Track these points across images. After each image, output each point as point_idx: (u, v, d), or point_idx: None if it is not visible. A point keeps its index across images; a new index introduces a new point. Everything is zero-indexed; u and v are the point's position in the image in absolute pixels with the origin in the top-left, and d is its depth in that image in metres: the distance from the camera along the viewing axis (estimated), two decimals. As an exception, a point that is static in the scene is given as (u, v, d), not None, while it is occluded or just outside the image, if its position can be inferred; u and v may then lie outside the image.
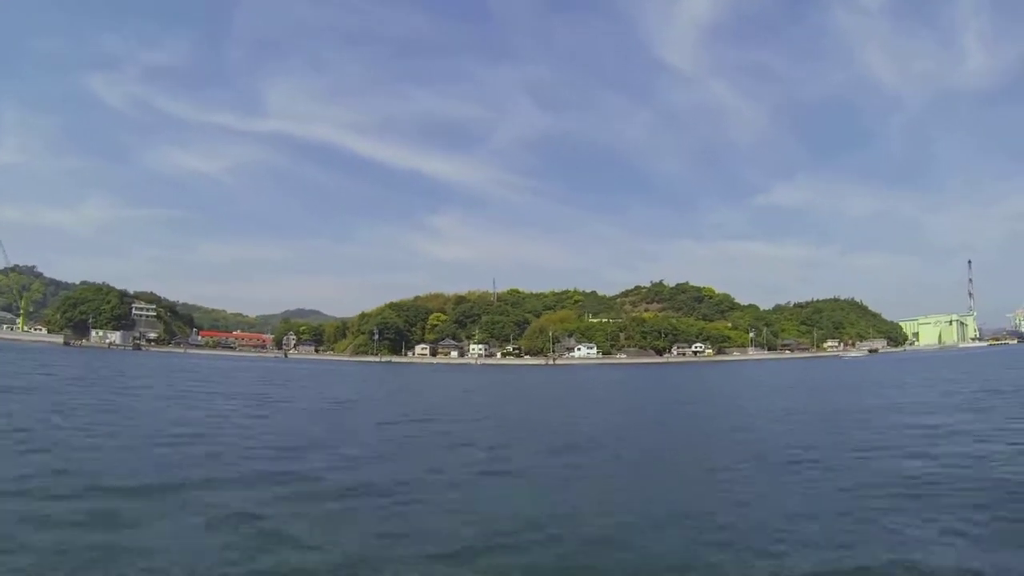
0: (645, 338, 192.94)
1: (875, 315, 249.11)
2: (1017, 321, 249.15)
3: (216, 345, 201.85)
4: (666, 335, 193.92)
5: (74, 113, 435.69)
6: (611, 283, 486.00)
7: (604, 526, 10.85)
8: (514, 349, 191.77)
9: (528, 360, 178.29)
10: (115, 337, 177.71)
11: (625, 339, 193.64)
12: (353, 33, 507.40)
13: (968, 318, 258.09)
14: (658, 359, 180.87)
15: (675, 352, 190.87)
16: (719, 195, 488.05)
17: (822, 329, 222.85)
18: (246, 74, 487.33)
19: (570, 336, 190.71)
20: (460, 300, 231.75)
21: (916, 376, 60.54)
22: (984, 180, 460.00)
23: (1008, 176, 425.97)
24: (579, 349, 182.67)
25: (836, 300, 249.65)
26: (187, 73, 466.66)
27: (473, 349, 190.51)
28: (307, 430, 23.62)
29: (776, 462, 16.95)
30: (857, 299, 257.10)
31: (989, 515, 11.10)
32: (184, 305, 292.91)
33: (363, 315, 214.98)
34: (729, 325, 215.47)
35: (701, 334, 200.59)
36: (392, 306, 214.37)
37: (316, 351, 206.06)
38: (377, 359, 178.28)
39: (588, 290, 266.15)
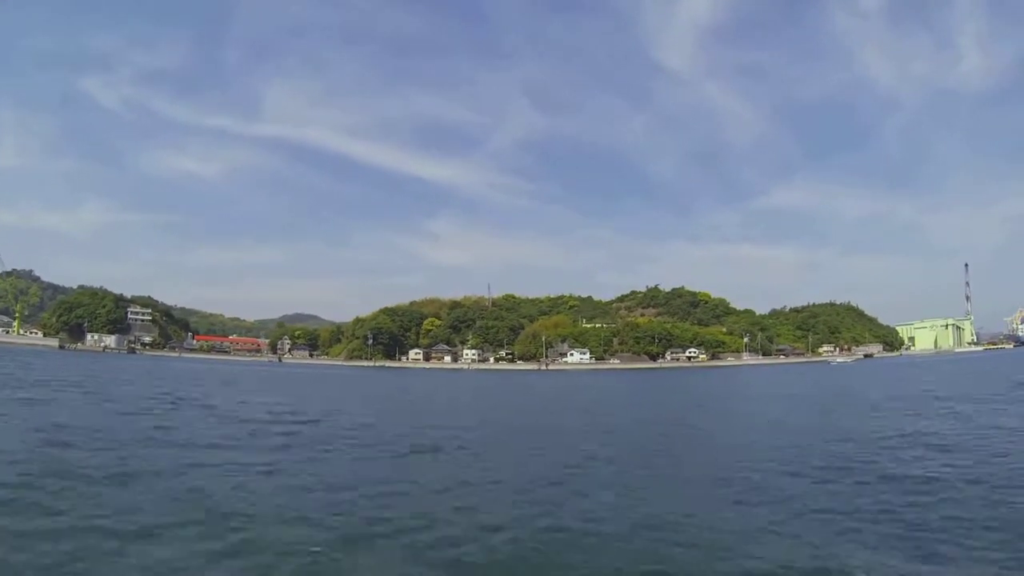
0: (639, 343, 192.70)
1: (871, 320, 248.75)
2: (1014, 325, 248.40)
3: (210, 349, 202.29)
4: (660, 340, 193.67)
5: (71, 116, 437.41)
6: (608, 286, 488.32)
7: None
8: (507, 354, 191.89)
9: (521, 365, 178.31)
10: (110, 341, 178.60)
11: (618, 344, 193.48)
12: (350, 35, 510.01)
13: (965, 322, 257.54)
14: (651, 364, 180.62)
15: (669, 357, 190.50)
16: (717, 197, 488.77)
17: (818, 334, 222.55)
18: (242, 77, 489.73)
19: (563, 341, 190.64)
20: (455, 305, 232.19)
21: (886, 384, 60.61)
22: (982, 182, 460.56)
23: (1006, 177, 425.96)
24: (572, 354, 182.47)
25: (832, 304, 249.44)
26: (183, 76, 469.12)
27: (466, 354, 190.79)
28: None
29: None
30: (855, 303, 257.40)
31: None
32: (181, 309, 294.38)
33: (358, 320, 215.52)
34: (724, 330, 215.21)
35: (695, 339, 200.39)
36: (387, 311, 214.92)
37: (310, 355, 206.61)
38: (371, 364, 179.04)
39: (584, 295, 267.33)
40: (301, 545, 10.42)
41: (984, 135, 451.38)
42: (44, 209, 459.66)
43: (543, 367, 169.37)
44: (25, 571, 8.90)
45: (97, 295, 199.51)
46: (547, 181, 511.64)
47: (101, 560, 9.52)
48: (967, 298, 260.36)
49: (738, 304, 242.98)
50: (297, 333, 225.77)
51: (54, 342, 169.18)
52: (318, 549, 10.32)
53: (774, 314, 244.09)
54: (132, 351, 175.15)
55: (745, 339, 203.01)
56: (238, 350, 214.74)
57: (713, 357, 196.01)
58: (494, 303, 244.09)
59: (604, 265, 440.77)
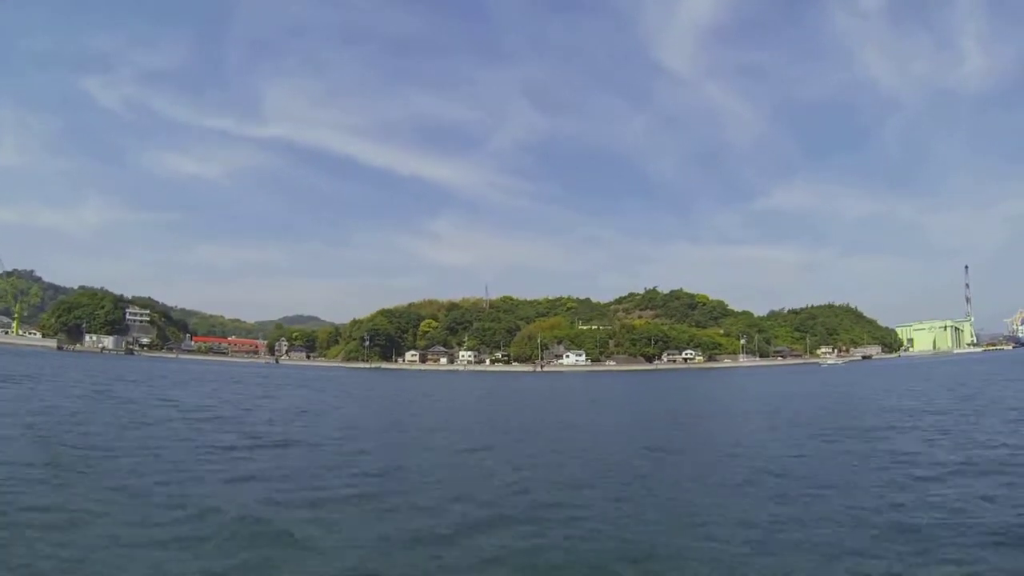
0: (635, 345, 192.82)
1: (870, 321, 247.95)
2: (1014, 326, 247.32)
3: (208, 351, 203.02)
4: (656, 342, 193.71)
5: (71, 116, 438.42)
6: (609, 288, 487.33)
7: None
8: (503, 356, 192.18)
9: (516, 367, 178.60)
10: (108, 342, 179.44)
11: (614, 346, 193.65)
12: (350, 35, 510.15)
13: (965, 323, 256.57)
14: (647, 366, 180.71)
15: (665, 359, 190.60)
16: (717, 198, 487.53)
17: (816, 336, 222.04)
18: (243, 77, 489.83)
19: (559, 343, 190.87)
20: (453, 307, 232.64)
21: (868, 385, 60.61)
22: (982, 182, 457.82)
23: (1006, 178, 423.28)
24: (567, 356, 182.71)
25: (831, 306, 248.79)
26: (184, 76, 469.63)
27: (462, 356, 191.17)
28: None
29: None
30: (855, 304, 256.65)
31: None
32: (182, 310, 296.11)
33: (355, 322, 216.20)
34: (721, 332, 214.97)
35: (692, 341, 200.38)
36: (384, 312, 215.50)
37: (307, 357, 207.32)
38: (367, 365, 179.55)
39: (582, 296, 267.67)
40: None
41: (984, 136, 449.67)
42: (45, 209, 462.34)
43: (538, 369, 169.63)
44: None
45: (96, 296, 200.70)
46: (548, 181, 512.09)
47: None
48: (967, 299, 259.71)
49: (739, 305, 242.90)
50: (295, 335, 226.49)
51: (52, 343, 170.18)
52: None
53: (772, 316, 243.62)
54: (130, 352, 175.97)
55: (742, 341, 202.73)
56: (236, 351, 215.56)
57: (710, 359, 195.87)
58: (492, 305, 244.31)
59: (605, 266, 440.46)
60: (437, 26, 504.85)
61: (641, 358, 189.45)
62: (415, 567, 9.71)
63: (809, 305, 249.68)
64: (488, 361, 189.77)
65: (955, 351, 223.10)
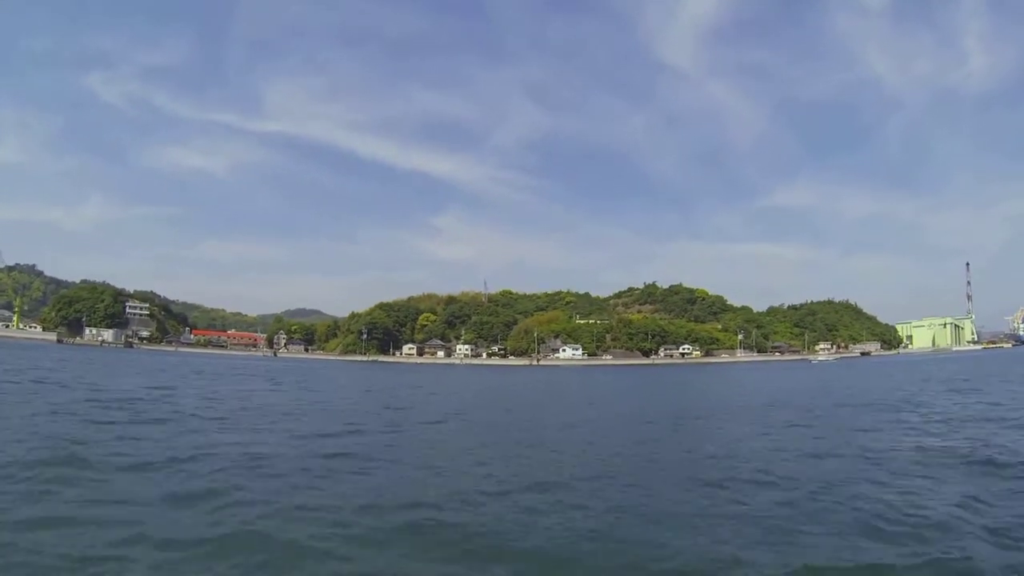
0: (632, 339, 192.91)
1: (870, 318, 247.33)
2: (1015, 324, 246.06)
3: (207, 344, 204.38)
4: (653, 337, 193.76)
5: (73, 112, 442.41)
6: (611, 285, 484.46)
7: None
8: (499, 350, 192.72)
9: (513, 361, 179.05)
10: (107, 335, 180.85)
11: (612, 340, 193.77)
12: (351, 32, 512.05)
13: (965, 321, 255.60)
14: (644, 361, 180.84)
15: (662, 354, 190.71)
16: (719, 196, 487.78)
17: (815, 332, 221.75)
18: (245, 74, 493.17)
19: (556, 337, 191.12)
20: (451, 301, 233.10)
21: (846, 383, 60.59)
22: (985, 181, 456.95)
23: (1009, 177, 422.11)
24: (564, 350, 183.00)
25: (830, 302, 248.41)
26: (186, 72, 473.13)
27: (459, 349, 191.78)
28: None
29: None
30: (857, 301, 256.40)
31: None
32: (184, 304, 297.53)
33: (353, 315, 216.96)
34: (719, 327, 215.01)
35: (689, 336, 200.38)
36: (382, 306, 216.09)
37: (306, 350, 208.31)
38: (364, 358, 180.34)
39: (582, 291, 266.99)
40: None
41: (986, 135, 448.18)
42: (48, 204, 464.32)
43: (534, 362, 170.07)
44: None
45: (96, 290, 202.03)
46: (550, 179, 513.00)
47: None
48: (968, 297, 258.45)
49: (739, 303, 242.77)
50: (294, 328, 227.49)
51: (52, 336, 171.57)
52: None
53: (771, 311, 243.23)
54: (129, 345, 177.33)
55: (740, 336, 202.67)
56: (235, 344, 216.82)
57: (707, 354, 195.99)
58: (491, 299, 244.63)
59: (607, 263, 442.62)
60: (438, 25, 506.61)
61: (638, 353, 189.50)
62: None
63: (809, 301, 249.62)
64: (485, 355, 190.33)
65: (954, 348, 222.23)
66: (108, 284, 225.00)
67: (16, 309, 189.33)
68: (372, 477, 14.17)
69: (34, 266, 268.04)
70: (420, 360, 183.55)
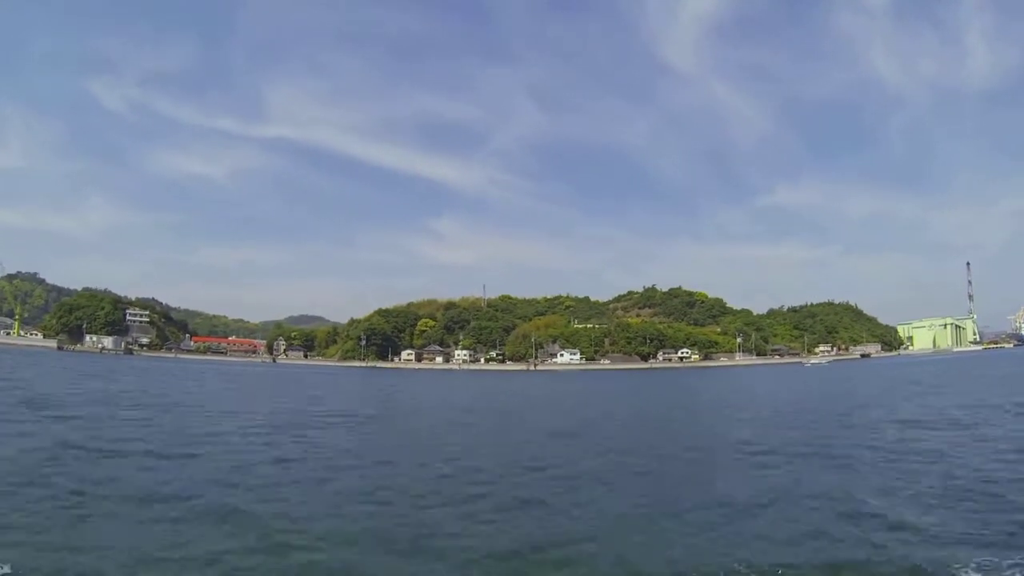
0: (630, 344, 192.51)
1: (870, 319, 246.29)
2: (1017, 324, 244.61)
3: (207, 350, 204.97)
4: (651, 341, 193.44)
5: (75, 117, 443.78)
6: (614, 286, 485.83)
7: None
8: (497, 355, 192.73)
9: (510, 366, 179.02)
10: (107, 342, 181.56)
11: (610, 345, 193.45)
12: (352, 36, 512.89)
13: (966, 321, 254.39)
14: (642, 365, 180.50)
15: (660, 358, 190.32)
16: (722, 196, 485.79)
17: (815, 334, 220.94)
18: (246, 78, 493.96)
19: (554, 342, 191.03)
20: (450, 306, 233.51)
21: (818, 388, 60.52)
22: (987, 179, 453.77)
23: (1012, 175, 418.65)
24: (562, 355, 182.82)
25: (830, 304, 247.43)
26: (188, 77, 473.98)
27: (458, 355, 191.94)
28: None
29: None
30: (860, 301, 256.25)
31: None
32: (185, 311, 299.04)
33: (352, 321, 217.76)
34: (718, 330, 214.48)
35: (688, 339, 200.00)
36: (381, 312, 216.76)
37: (305, 356, 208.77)
38: (363, 364, 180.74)
39: (582, 295, 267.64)
40: None
41: (990, 133, 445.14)
42: (50, 210, 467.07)
43: (531, 367, 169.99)
44: None
45: (96, 297, 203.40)
46: (552, 181, 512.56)
47: None
48: (970, 297, 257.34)
49: (744, 303, 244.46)
50: (293, 334, 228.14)
51: (53, 343, 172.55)
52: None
53: (771, 314, 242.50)
54: (129, 352, 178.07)
55: (738, 339, 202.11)
56: (235, 351, 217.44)
57: (706, 357, 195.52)
58: (490, 304, 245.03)
59: (609, 265, 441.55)
60: (440, 27, 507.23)
61: (636, 357, 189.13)
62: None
63: (809, 303, 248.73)
64: (483, 360, 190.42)
65: (955, 349, 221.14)
66: (110, 292, 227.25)
67: (17, 317, 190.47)
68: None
69: (36, 274, 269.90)
70: (419, 366, 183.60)
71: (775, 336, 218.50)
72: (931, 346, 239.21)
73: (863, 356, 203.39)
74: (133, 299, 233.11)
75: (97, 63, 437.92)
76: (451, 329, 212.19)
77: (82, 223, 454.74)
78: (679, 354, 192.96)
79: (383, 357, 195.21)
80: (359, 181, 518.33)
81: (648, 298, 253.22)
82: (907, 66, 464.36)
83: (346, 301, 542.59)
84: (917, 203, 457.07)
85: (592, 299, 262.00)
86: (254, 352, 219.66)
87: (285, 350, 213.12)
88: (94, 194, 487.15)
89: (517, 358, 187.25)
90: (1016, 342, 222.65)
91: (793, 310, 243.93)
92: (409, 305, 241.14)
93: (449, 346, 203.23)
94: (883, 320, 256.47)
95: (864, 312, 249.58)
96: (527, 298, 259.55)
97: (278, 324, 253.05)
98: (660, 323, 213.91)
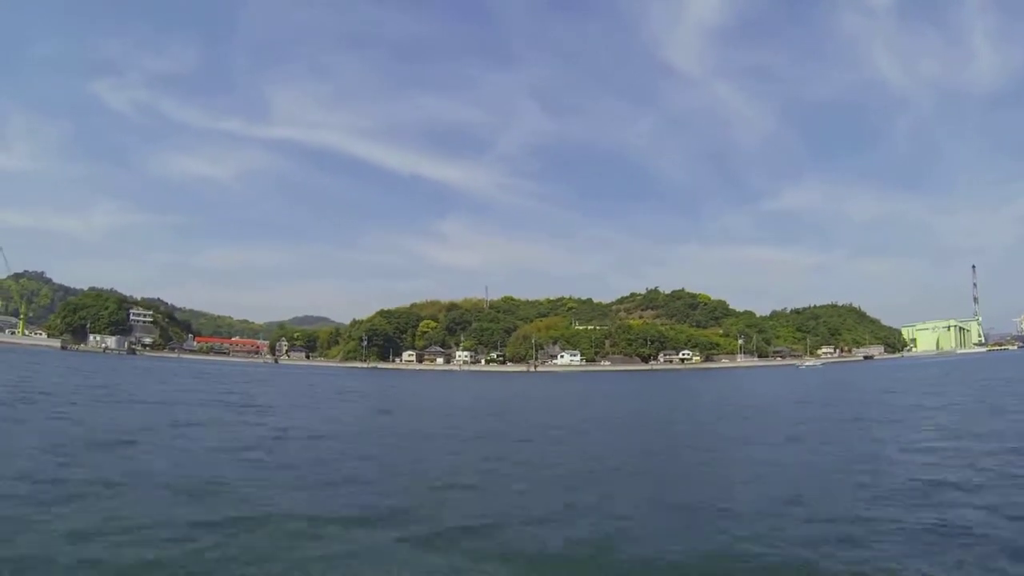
0: (631, 345, 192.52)
1: (873, 321, 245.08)
2: (1022, 326, 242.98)
3: (209, 351, 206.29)
4: (652, 342, 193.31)
5: (82, 119, 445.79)
6: (619, 289, 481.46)
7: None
8: (498, 356, 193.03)
9: (511, 367, 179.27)
10: (110, 342, 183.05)
11: (610, 346, 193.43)
12: (356, 38, 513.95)
13: (971, 323, 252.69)
14: (643, 366, 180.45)
15: (661, 359, 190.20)
16: (726, 199, 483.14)
17: (817, 336, 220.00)
18: (251, 80, 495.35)
19: (555, 343, 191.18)
20: (452, 307, 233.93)
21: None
22: (993, 182, 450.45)
23: (1017, 177, 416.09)
24: (562, 356, 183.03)
25: (834, 306, 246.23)
26: (192, 79, 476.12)
27: (458, 356, 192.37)
28: None
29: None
30: (865, 304, 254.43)
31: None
32: (190, 311, 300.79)
33: (354, 322, 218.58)
34: (720, 332, 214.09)
35: (689, 341, 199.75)
36: (383, 313, 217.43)
37: (307, 357, 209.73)
38: (364, 365, 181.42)
39: (585, 297, 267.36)
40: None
41: (995, 134, 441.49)
42: (57, 211, 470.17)
43: (531, 369, 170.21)
44: None
45: (100, 297, 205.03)
46: (556, 183, 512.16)
47: None
48: (975, 299, 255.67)
49: (748, 306, 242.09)
50: (296, 335, 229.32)
51: (56, 343, 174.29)
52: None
53: (774, 316, 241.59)
54: (132, 352, 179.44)
55: (740, 341, 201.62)
56: (237, 351, 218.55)
57: (707, 359, 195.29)
58: (492, 305, 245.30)
59: (613, 268, 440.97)
60: (443, 30, 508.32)
61: (637, 358, 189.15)
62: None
63: (812, 305, 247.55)
64: (483, 361, 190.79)
65: (959, 351, 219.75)
66: (115, 291, 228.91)
67: (21, 316, 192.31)
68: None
69: (43, 273, 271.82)
70: (419, 367, 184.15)
71: (778, 338, 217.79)
72: (935, 348, 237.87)
73: (866, 358, 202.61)
74: (139, 299, 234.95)
75: (102, 65, 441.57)
76: (453, 330, 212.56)
77: (88, 224, 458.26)
78: (680, 356, 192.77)
79: (384, 358, 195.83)
80: (363, 183, 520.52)
81: (651, 300, 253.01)
82: (911, 67, 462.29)
83: (351, 302, 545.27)
84: (922, 206, 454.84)
85: (595, 301, 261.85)
86: (257, 353, 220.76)
87: (287, 351, 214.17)
88: (100, 195, 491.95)
89: (517, 359, 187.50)
90: (1020, 344, 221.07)
91: (796, 312, 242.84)
92: (412, 306, 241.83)
93: (450, 347, 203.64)
94: (890, 323, 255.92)
95: (867, 314, 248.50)
96: (530, 300, 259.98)
97: (281, 325, 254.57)
98: (662, 325, 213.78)
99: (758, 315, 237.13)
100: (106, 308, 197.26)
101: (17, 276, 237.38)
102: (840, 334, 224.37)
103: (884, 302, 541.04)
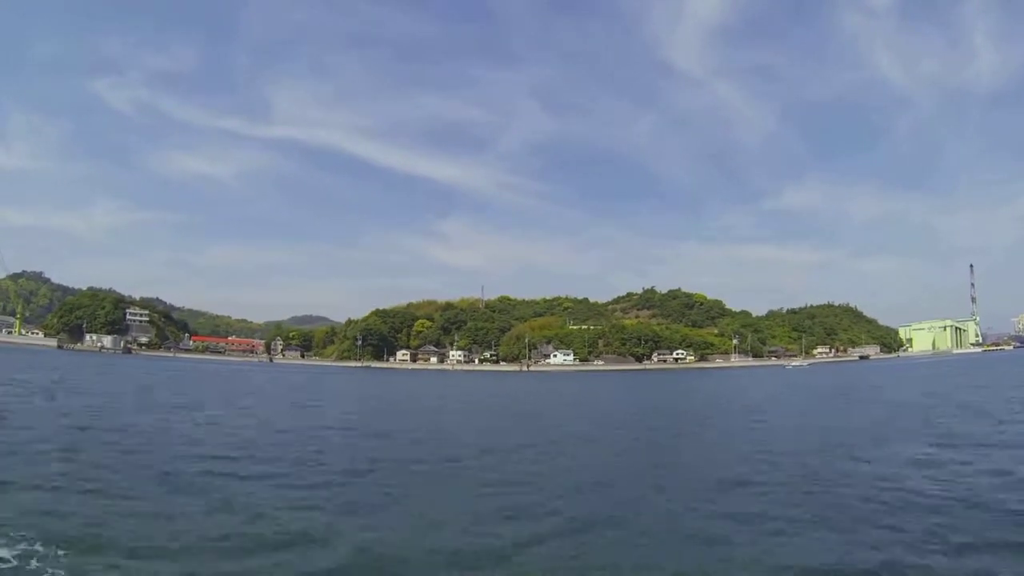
0: (624, 345, 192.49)
1: (870, 321, 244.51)
2: (1020, 325, 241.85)
3: (205, 350, 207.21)
4: (646, 342, 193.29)
5: (82, 118, 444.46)
6: (620, 287, 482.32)
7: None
8: (491, 356, 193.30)
9: (504, 367, 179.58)
10: (106, 341, 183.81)
11: (604, 346, 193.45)
12: (357, 37, 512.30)
13: (969, 323, 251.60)
14: (636, 366, 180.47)
15: (655, 359, 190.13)
16: (728, 198, 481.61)
17: (813, 335, 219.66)
18: (252, 79, 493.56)
19: (549, 343, 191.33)
20: (448, 307, 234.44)
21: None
22: (994, 181, 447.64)
23: (1018, 177, 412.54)
24: (555, 356, 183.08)
25: (830, 305, 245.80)
26: (193, 78, 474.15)
27: (452, 356, 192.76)
28: None
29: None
30: (867, 304, 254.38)
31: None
32: (189, 311, 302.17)
33: (350, 321, 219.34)
34: (715, 332, 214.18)
35: (684, 341, 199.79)
36: (378, 312, 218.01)
37: (302, 356, 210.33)
38: (359, 364, 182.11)
39: (581, 297, 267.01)
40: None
41: (997, 133, 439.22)
42: (57, 210, 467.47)
43: (523, 369, 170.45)
44: None
45: (97, 297, 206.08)
46: (557, 182, 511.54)
47: None
48: (973, 299, 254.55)
49: (750, 306, 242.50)
50: (291, 334, 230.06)
51: (53, 342, 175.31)
52: None
53: (770, 315, 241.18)
54: (128, 351, 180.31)
55: (734, 341, 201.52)
56: (233, 351, 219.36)
57: (701, 359, 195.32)
58: (488, 305, 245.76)
59: (615, 267, 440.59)
60: (444, 29, 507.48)
61: (631, 358, 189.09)
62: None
63: (808, 305, 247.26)
64: (477, 361, 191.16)
65: (955, 351, 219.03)
66: (113, 291, 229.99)
67: (18, 315, 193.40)
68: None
69: (41, 273, 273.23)
70: (413, 366, 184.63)
71: (773, 338, 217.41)
72: (931, 348, 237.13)
73: (861, 358, 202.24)
74: (137, 299, 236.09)
75: (102, 64, 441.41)
76: (448, 330, 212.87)
77: (89, 223, 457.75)
78: (674, 356, 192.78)
79: (379, 357, 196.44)
80: (364, 182, 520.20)
81: (647, 300, 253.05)
82: (911, 67, 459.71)
83: (351, 302, 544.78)
84: (923, 205, 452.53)
85: (591, 300, 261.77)
86: (252, 352, 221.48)
87: (282, 350, 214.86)
88: (101, 194, 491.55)
89: (511, 359, 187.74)
90: (1017, 344, 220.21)
91: (792, 312, 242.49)
92: (408, 306, 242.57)
93: (445, 347, 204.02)
94: (890, 323, 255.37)
95: (864, 314, 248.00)
96: (526, 299, 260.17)
97: (278, 324, 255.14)
98: (656, 324, 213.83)
99: (754, 315, 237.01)
100: (102, 308, 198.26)
101: (16, 276, 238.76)
102: (836, 334, 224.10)
103: (885, 302, 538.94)
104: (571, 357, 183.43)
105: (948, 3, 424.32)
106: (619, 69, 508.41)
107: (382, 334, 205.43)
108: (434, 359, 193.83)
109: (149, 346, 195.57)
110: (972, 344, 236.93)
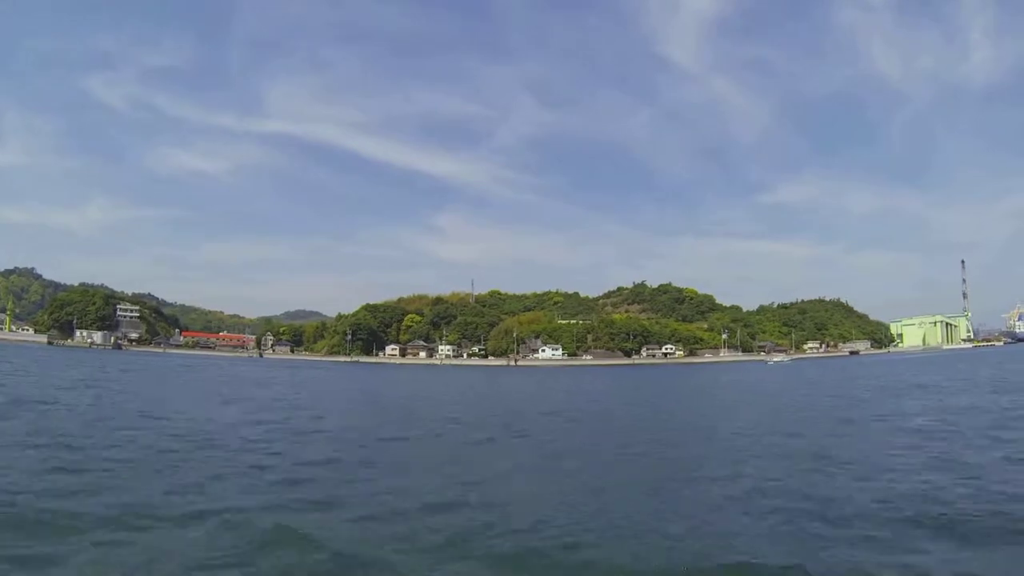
0: (613, 339, 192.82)
1: (861, 316, 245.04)
2: (1011, 322, 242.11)
3: (195, 345, 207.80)
4: (635, 336, 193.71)
5: (76, 114, 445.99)
6: (612, 281, 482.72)
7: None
8: (480, 350, 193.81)
9: (492, 361, 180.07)
10: (96, 337, 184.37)
11: (593, 340, 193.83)
12: (352, 31, 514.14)
13: (960, 319, 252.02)
14: (625, 361, 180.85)
15: (644, 354, 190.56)
16: (723, 192, 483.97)
17: (803, 331, 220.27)
18: (246, 74, 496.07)
19: (537, 337, 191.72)
20: (438, 301, 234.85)
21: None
22: (990, 176, 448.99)
23: (1013, 172, 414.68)
24: (543, 350, 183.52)
25: (821, 300, 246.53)
26: (187, 74, 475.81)
27: (441, 350, 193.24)
28: None
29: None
30: (862, 299, 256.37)
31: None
32: (182, 307, 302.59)
33: (340, 316, 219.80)
34: (705, 326, 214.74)
35: (673, 336, 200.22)
36: (368, 307, 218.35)
37: (292, 351, 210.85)
38: (348, 359, 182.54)
39: (571, 291, 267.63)
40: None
41: (992, 129, 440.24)
42: (50, 206, 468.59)
43: (512, 363, 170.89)
44: None
45: (88, 293, 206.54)
46: (553, 176, 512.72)
47: None
48: (964, 295, 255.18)
49: (744, 301, 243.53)
50: (282, 329, 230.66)
51: (43, 338, 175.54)
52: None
53: (761, 310, 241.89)
54: (118, 347, 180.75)
55: (724, 336, 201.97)
56: (223, 346, 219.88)
57: (691, 353, 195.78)
58: (478, 299, 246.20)
59: (611, 260, 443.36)
60: (439, 23, 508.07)
61: (620, 353, 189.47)
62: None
63: (799, 300, 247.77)
64: (465, 355, 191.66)
65: (945, 347, 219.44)
66: (105, 287, 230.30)
67: (8, 312, 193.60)
68: None
69: (32, 269, 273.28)
70: (402, 361, 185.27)
71: (763, 333, 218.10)
72: (920, 344, 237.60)
73: (852, 353, 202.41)
74: (128, 295, 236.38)
75: (96, 60, 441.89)
76: (437, 324, 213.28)
77: (82, 219, 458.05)
78: (663, 350, 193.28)
79: (368, 352, 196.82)
80: (359, 176, 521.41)
81: (637, 294, 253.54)
82: (908, 62, 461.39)
83: (344, 297, 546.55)
84: (919, 201, 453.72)
85: (582, 295, 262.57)
86: (243, 347, 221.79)
87: (272, 345, 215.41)
88: (94, 190, 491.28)
89: (499, 353, 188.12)
90: (1007, 340, 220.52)
91: (783, 307, 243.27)
92: (398, 300, 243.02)
93: (434, 341, 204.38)
94: (884, 318, 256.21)
95: (855, 309, 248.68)
96: (516, 294, 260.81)
97: (267, 320, 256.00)
98: (646, 319, 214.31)
99: (745, 310, 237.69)
100: (93, 304, 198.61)
101: (7, 273, 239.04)
102: (827, 329, 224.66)
103: (877, 297, 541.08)
104: (560, 351, 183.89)
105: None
106: (615, 63, 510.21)
107: (372, 329, 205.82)
108: (423, 353, 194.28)
109: (139, 342, 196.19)
110: (963, 340, 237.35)
